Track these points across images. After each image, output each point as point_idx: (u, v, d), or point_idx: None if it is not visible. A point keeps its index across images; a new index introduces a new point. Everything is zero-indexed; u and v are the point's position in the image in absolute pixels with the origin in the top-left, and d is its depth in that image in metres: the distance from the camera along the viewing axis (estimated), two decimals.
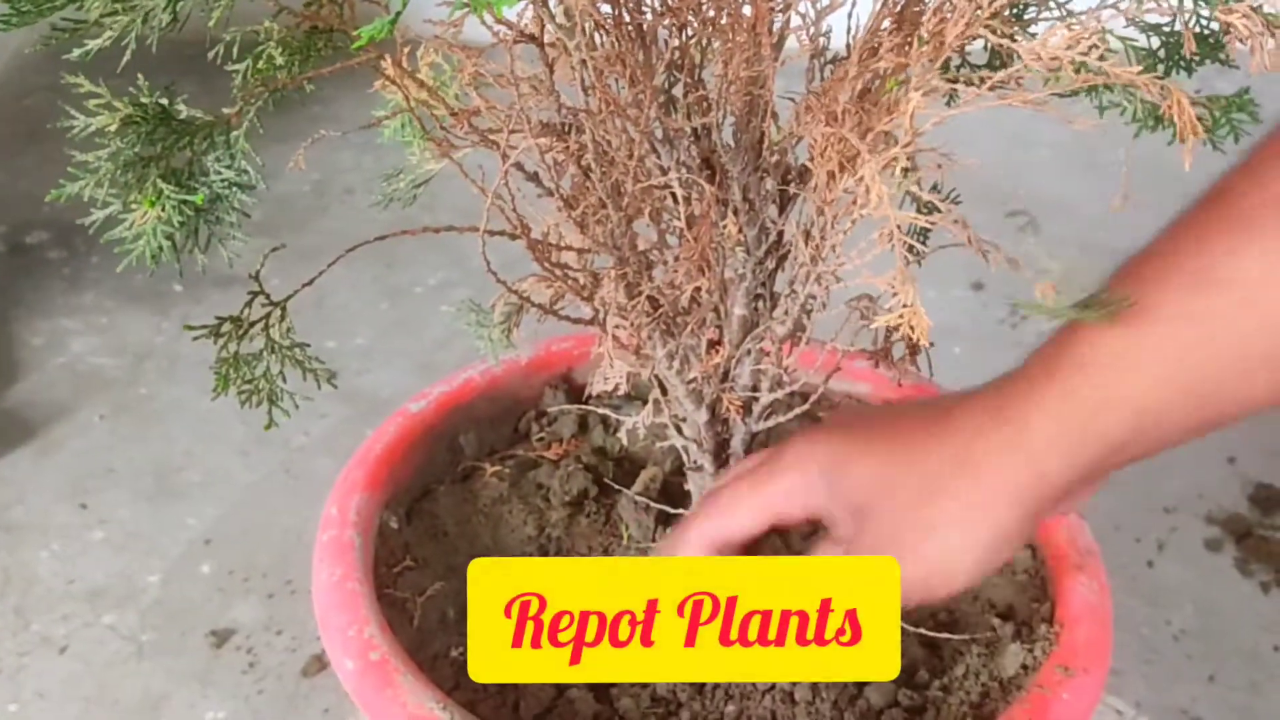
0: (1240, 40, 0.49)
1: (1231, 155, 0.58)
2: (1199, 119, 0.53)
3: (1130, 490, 1.23)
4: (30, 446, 1.24)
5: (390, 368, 1.37)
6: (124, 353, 1.38)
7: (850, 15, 0.60)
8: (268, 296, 0.56)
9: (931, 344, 0.58)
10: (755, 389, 0.68)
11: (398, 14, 0.42)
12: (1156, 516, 1.20)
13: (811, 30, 0.60)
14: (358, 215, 1.64)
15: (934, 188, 0.63)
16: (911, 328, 0.55)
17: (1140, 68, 0.50)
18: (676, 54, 0.58)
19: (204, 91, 0.52)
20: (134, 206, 0.48)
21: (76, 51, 0.46)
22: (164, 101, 0.48)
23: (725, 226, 0.64)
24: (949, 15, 0.55)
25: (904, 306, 0.54)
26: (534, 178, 0.61)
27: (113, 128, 0.48)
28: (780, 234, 0.65)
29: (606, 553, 0.75)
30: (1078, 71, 0.51)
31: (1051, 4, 0.57)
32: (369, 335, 1.42)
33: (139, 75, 0.51)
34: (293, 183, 1.69)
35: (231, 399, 0.58)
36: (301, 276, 0.61)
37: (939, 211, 0.59)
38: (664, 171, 0.61)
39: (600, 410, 0.79)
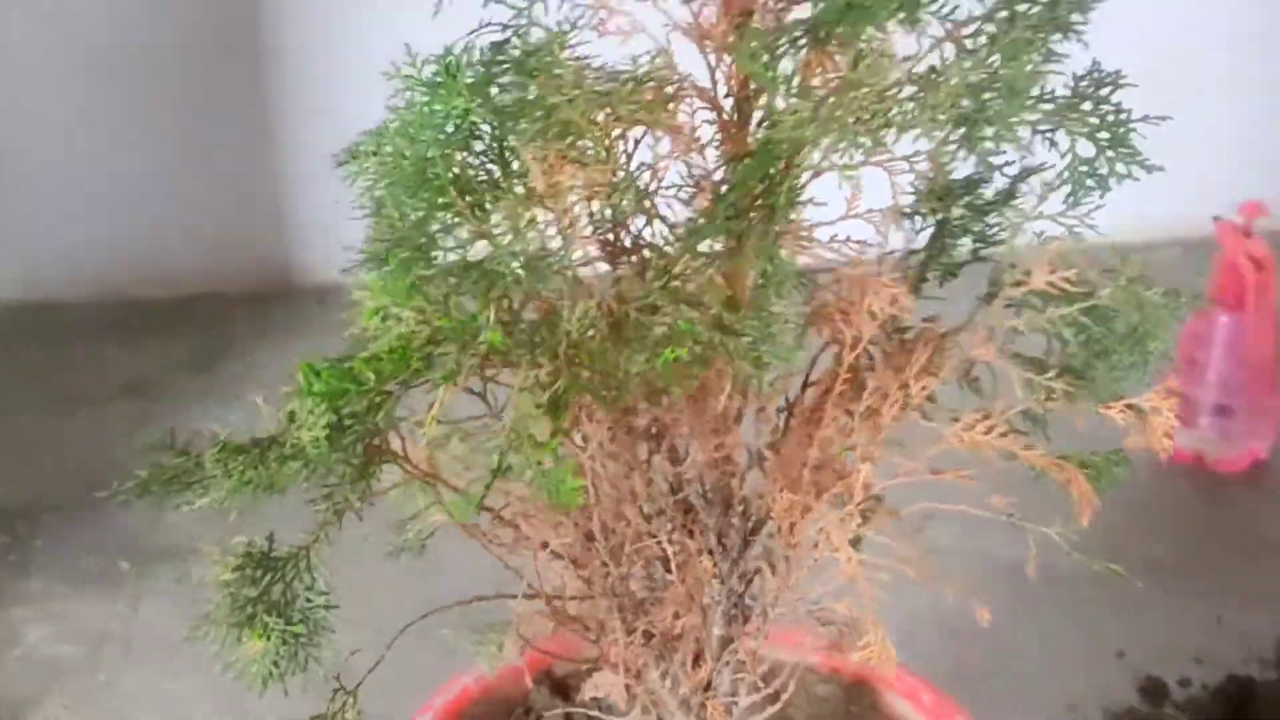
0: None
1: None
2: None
3: (1036, 691, 1.35)
4: None
5: None
6: (80, 639, 1.41)
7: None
8: None
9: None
10: (734, 694, 0.79)
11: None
12: (1060, 714, 1.33)
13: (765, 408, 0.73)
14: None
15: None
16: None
17: (1042, 450, 0.64)
18: (664, 445, 0.71)
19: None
20: (243, 640, 0.58)
21: None
22: (266, 548, 0.58)
23: (702, 562, 0.76)
24: (885, 396, 0.69)
25: (872, 645, 0.67)
26: (544, 545, 0.73)
27: (226, 576, 0.57)
28: (748, 565, 0.77)
29: None
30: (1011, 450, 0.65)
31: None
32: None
33: None
34: None
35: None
36: None
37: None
38: (654, 535, 0.73)
39: (591, 714, 0.88)
